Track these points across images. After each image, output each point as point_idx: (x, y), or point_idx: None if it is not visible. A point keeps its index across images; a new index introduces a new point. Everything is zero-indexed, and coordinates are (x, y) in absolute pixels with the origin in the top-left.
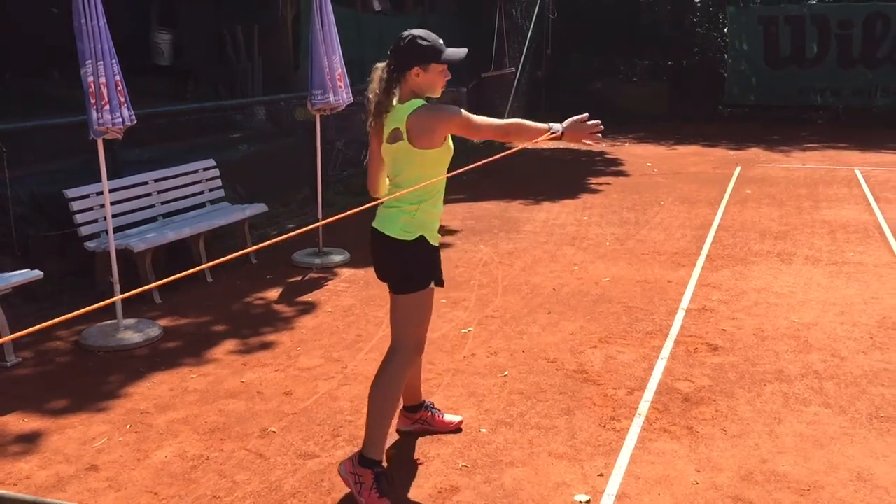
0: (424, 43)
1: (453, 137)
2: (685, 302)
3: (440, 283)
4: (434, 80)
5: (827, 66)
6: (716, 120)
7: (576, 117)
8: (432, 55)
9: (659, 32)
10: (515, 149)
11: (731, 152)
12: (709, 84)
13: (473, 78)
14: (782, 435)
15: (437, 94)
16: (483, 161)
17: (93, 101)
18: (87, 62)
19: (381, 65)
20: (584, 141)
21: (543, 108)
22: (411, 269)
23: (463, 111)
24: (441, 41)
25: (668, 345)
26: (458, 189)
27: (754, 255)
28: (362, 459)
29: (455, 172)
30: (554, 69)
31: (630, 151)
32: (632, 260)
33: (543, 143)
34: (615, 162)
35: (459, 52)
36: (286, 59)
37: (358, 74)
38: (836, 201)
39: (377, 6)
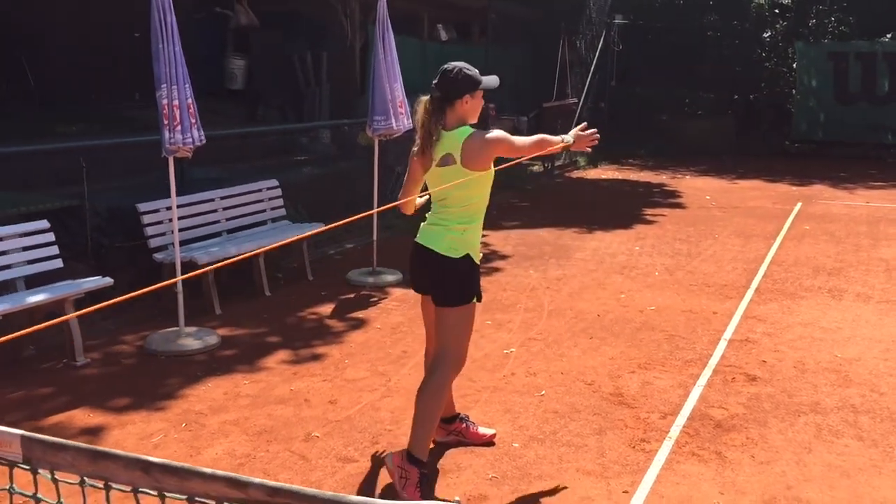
0: (470, 73)
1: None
2: (728, 333)
3: (479, 299)
4: (477, 107)
5: None
6: (781, 155)
7: (579, 128)
8: (476, 84)
9: (726, 66)
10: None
11: (794, 188)
12: (776, 119)
13: (535, 107)
14: (810, 464)
15: (476, 120)
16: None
17: (166, 121)
18: (163, 85)
19: (424, 97)
20: (585, 147)
21: (606, 138)
22: (460, 284)
23: (502, 133)
24: (477, 70)
25: (707, 373)
26: (513, 216)
27: (805, 290)
28: (410, 456)
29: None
30: (617, 101)
31: (690, 184)
32: (679, 290)
33: (556, 151)
34: (673, 194)
35: (494, 80)
36: (353, 85)
37: None
38: None
39: (443, 36)
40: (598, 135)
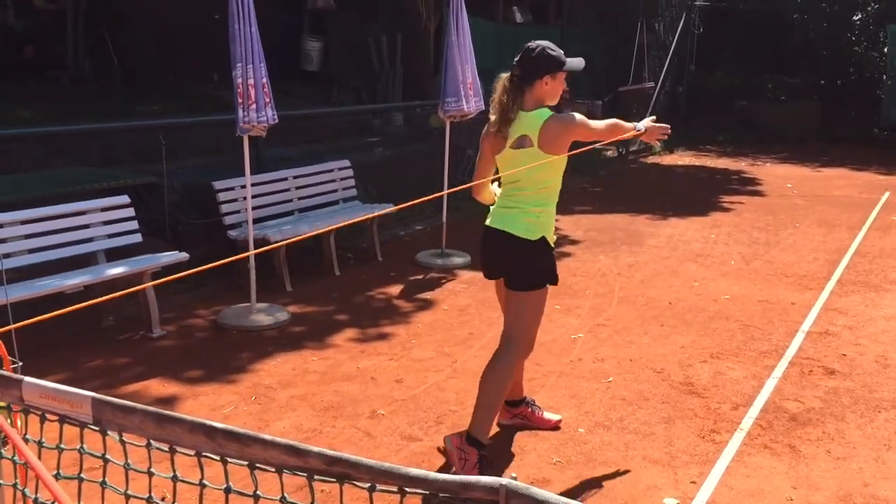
0: (553, 53)
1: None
2: (807, 325)
3: (555, 282)
4: (558, 89)
5: None
6: (869, 143)
7: (651, 119)
8: (559, 65)
9: (812, 50)
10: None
11: (882, 177)
12: (864, 105)
13: (610, 91)
14: (890, 462)
15: (556, 102)
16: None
17: (240, 100)
18: (238, 65)
19: (504, 75)
20: (655, 139)
21: (683, 123)
22: (536, 266)
23: (580, 116)
24: (562, 51)
25: (783, 365)
26: (585, 201)
27: (890, 282)
28: (469, 438)
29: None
30: (696, 85)
31: (770, 171)
32: (756, 280)
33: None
34: (752, 181)
35: (579, 62)
36: (427, 67)
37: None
38: None
39: (518, 18)
40: (669, 130)
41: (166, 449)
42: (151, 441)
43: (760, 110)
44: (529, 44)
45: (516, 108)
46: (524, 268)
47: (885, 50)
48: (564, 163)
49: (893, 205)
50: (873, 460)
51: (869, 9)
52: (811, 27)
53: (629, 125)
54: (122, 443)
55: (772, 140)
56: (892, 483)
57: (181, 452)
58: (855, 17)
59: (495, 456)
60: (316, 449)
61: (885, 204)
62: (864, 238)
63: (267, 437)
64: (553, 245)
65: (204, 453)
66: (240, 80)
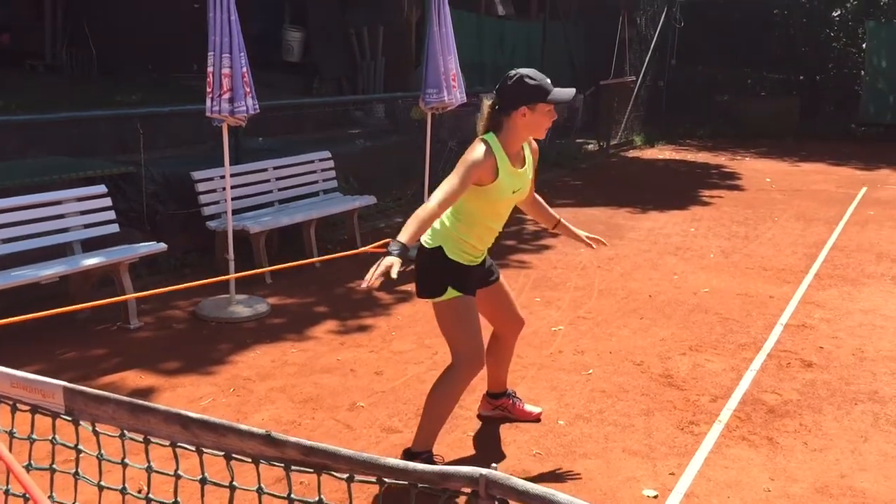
0: (532, 82)
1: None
2: (785, 318)
3: (464, 292)
4: (540, 121)
5: None
6: (847, 138)
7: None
8: (540, 95)
9: (792, 46)
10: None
11: (860, 172)
12: (843, 101)
13: (592, 84)
14: (866, 453)
15: (542, 136)
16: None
17: (209, 89)
18: (211, 53)
19: (488, 101)
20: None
21: (664, 117)
22: (427, 275)
23: (471, 163)
24: (548, 80)
25: (761, 358)
26: (566, 194)
27: (867, 276)
28: (408, 454)
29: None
30: (677, 80)
31: (750, 166)
32: (735, 273)
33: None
34: (732, 176)
35: (567, 93)
36: (408, 59)
37: (477, 77)
38: None
39: (501, 11)
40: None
41: (140, 440)
42: (125, 431)
43: (740, 105)
44: (510, 71)
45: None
46: (418, 274)
47: (864, 46)
48: (481, 197)
49: (871, 200)
50: (850, 452)
51: (848, 5)
52: (791, 23)
53: (418, 228)
54: (96, 433)
55: (751, 135)
56: (868, 474)
57: (156, 443)
58: (834, 14)
59: (475, 448)
60: (293, 439)
61: (863, 199)
62: (841, 232)
63: (243, 426)
64: (460, 264)
65: (179, 444)
66: (211, 70)
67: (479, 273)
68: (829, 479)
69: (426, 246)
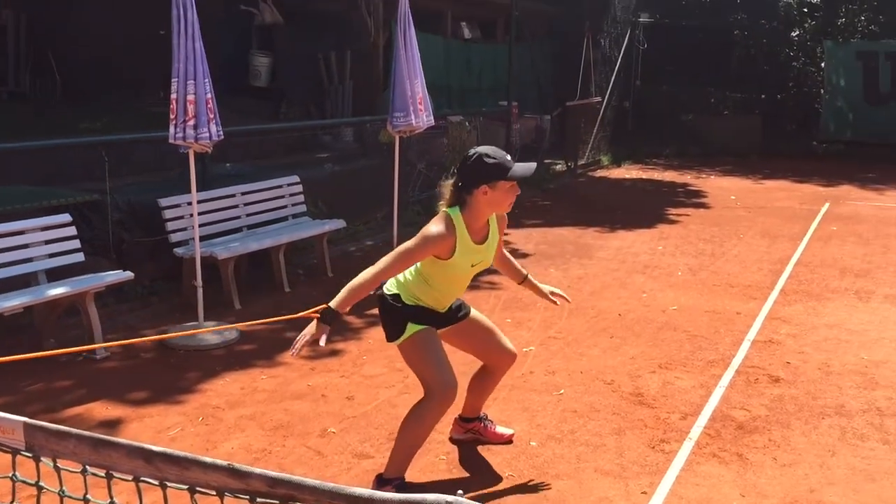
0: (490, 161)
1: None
2: (752, 334)
3: (430, 325)
4: (502, 198)
5: None
6: (809, 156)
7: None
8: (499, 173)
9: (753, 66)
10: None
11: (822, 189)
12: (803, 119)
13: (559, 106)
14: (834, 467)
15: (506, 210)
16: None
17: (172, 116)
18: (174, 80)
19: (449, 182)
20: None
21: (630, 137)
22: (385, 319)
23: (428, 239)
24: (508, 157)
25: (729, 374)
26: (535, 214)
27: (831, 291)
28: (382, 481)
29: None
30: (642, 100)
31: (715, 184)
32: (702, 290)
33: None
34: (698, 194)
35: (527, 168)
36: (376, 83)
37: (445, 99)
38: None
39: (467, 34)
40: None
41: (103, 475)
42: (87, 467)
43: (705, 124)
44: (469, 151)
45: None
46: (381, 321)
47: (823, 65)
48: (434, 262)
49: (833, 215)
50: (818, 466)
51: (806, 25)
52: (752, 43)
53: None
54: (57, 469)
55: (716, 153)
56: (837, 488)
57: (118, 478)
58: (793, 34)
59: (447, 472)
60: (258, 470)
61: (825, 215)
62: (805, 248)
63: (207, 459)
64: (419, 305)
65: (142, 478)
66: (175, 96)
67: (444, 313)
68: (798, 494)
69: (386, 293)
